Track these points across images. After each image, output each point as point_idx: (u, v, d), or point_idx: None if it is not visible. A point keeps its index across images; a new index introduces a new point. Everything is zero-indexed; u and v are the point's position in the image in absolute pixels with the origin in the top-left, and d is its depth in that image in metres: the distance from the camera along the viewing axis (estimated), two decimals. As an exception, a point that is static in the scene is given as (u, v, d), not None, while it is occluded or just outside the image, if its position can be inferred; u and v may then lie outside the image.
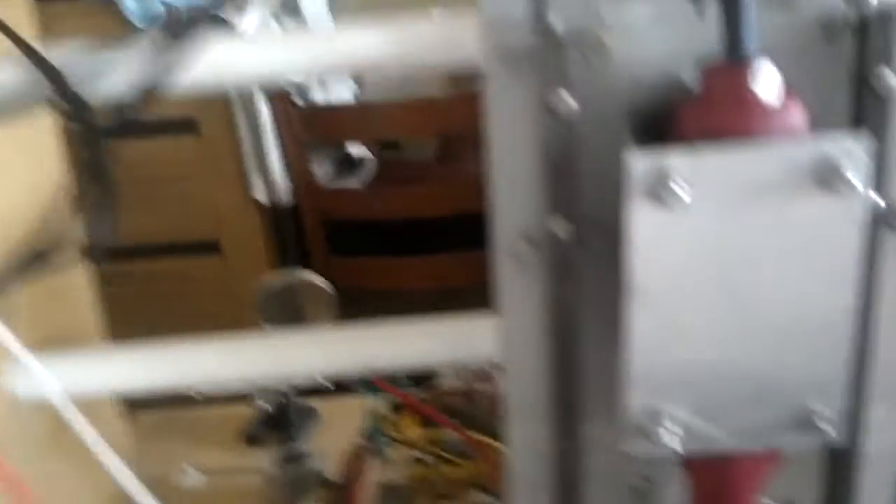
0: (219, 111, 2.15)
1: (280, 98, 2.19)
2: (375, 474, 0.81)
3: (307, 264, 2.15)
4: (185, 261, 2.28)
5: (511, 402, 0.54)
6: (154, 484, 0.57)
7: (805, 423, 0.46)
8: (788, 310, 0.44)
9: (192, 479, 1.05)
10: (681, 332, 0.44)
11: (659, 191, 0.41)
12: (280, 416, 1.12)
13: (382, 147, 2.47)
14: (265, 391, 1.10)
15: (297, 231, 2.20)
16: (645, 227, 0.42)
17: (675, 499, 0.55)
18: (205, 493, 1.04)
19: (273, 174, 2.31)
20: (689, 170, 0.41)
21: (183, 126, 2.15)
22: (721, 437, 0.46)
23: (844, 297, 0.44)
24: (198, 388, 0.78)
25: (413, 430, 0.77)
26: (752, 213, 0.42)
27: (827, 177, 0.41)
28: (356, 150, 2.36)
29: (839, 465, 0.52)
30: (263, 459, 1.05)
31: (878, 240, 0.47)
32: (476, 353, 0.57)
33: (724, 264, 0.43)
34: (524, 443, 0.55)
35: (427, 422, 0.77)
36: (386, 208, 2.07)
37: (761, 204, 0.42)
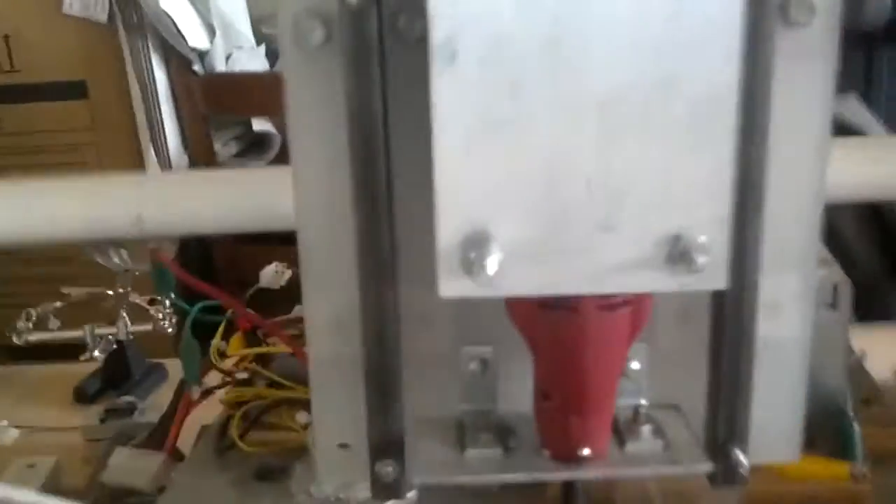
0: (111, 75, 1.97)
1: (178, 64, 2.04)
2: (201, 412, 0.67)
3: (208, 249, 1.99)
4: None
5: (307, 266, 0.41)
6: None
7: (674, 256, 0.34)
8: (651, 90, 0.32)
9: (9, 435, 0.92)
10: (501, 122, 0.32)
11: None
12: (114, 371, 0.98)
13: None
14: (100, 342, 0.96)
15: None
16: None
17: (513, 378, 0.42)
18: (21, 449, 0.90)
19: (169, 149, 2.14)
20: None
21: (71, 90, 1.97)
22: (563, 277, 0.34)
23: (726, 70, 0.32)
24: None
25: (237, 349, 0.63)
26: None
27: None
28: (262, 126, 2.21)
29: (729, 354, 0.40)
30: (90, 416, 0.92)
31: (764, 33, 0.35)
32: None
33: (558, 23, 0.31)
34: (325, 316, 0.42)
35: (253, 340, 0.64)
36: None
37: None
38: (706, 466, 0.39)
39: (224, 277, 1.84)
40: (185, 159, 2.14)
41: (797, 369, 0.43)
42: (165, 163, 2.10)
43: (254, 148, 2.27)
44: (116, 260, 0.80)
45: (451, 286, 0.34)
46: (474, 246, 0.34)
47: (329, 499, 0.54)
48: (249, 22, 2.20)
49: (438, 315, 0.43)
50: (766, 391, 0.42)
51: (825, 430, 0.50)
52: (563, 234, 0.34)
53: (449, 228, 0.34)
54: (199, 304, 0.66)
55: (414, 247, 0.39)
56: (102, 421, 0.87)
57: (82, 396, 0.99)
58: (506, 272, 0.34)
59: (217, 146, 2.21)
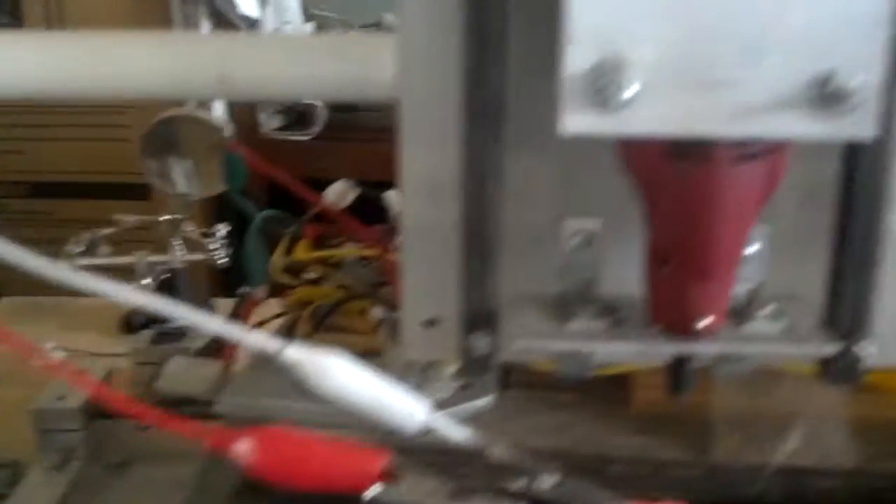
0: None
1: (225, 29, 2.03)
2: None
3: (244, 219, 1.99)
4: (106, 204, 2.08)
5: (406, 119, 0.39)
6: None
7: (822, 98, 0.31)
8: None
9: (55, 358, 0.90)
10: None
11: None
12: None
13: (334, 107, 2.29)
14: (152, 269, 0.94)
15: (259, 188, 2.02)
16: None
17: (617, 257, 0.39)
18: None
19: (214, 117, 2.13)
20: None
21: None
22: (702, 115, 0.31)
23: None
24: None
25: (305, 253, 0.61)
26: None
27: None
28: (310, 99, 2.20)
29: (857, 236, 0.37)
30: (140, 343, 0.90)
31: None
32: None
33: None
34: (421, 177, 0.39)
35: (320, 242, 0.62)
36: (333, 166, 1.91)
37: None
38: (831, 348, 0.36)
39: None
40: (230, 130, 2.14)
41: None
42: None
43: (298, 123, 2.27)
44: (181, 181, 0.79)
45: (577, 120, 0.32)
46: (606, 74, 0.31)
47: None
48: (300, -1, 2.19)
49: (540, 181, 0.40)
50: (892, 289, 0.39)
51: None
52: (706, 63, 0.31)
53: (578, 52, 0.31)
54: (265, 212, 0.64)
55: (522, 101, 0.37)
56: (154, 343, 0.85)
57: (130, 327, 0.97)
58: (639, 106, 0.31)
59: (261, 117, 2.21)
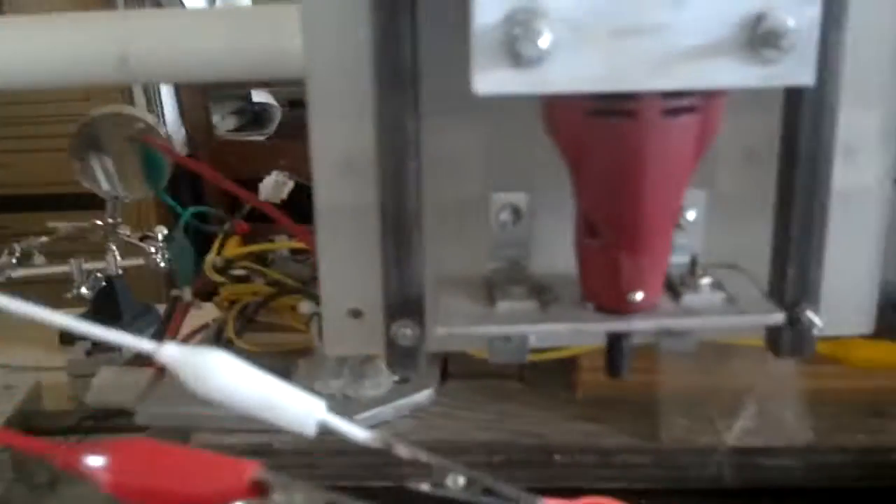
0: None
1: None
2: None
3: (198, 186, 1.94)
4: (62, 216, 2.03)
5: (314, 94, 0.36)
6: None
7: (755, 41, 0.28)
8: None
9: (-7, 375, 0.86)
10: None
11: None
12: (102, 311, 0.92)
13: (291, 104, 2.26)
14: (89, 277, 0.91)
15: (192, 186, 1.98)
16: None
17: (549, 233, 0.37)
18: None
19: (166, 122, 2.09)
20: None
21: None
22: (625, 67, 0.29)
23: None
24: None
25: (235, 250, 0.58)
26: None
27: None
28: (262, 97, 2.16)
29: (801, 201, 0.35)
30: (76, 353, 0.86)
31: None
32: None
33: None
34: (334, 155, 0.37)
35: (253, 238, 0.59)
36: (292, 165, 1.87)
37: None
38: (777, 317, 0.34)
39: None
40: (182, 132, 2.10)
41: (873, 228, 0.38)
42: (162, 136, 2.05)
43: (253, 123, 2.23)
44: (103, 179, 0.75)
45: (489, 79, 0.29)
46: (519, 25, 0.28)
47: (335, 396, 0.48)
48: (251, -1, 2.16)
49: (464, 154, 0.37)
50: (839, 251, 0.37)
51: (891, 319, 0.45)
52: (625, 8, 0.28)
53: (488, 1, 0.28)
54: (195, 209, 0.60)
55: (442, 66, 0.34)
56: (88, 354, 0.81)
57: (69, 338, 0.93)
58: (555, 60, 0.29)
59: (216, 119, 2.17)
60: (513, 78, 0.29)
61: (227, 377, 0.28)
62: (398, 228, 0.35)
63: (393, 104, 0.34)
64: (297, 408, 0.29)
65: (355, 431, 0.28)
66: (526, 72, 0.29)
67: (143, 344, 0.29)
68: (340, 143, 0.36)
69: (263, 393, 0.29)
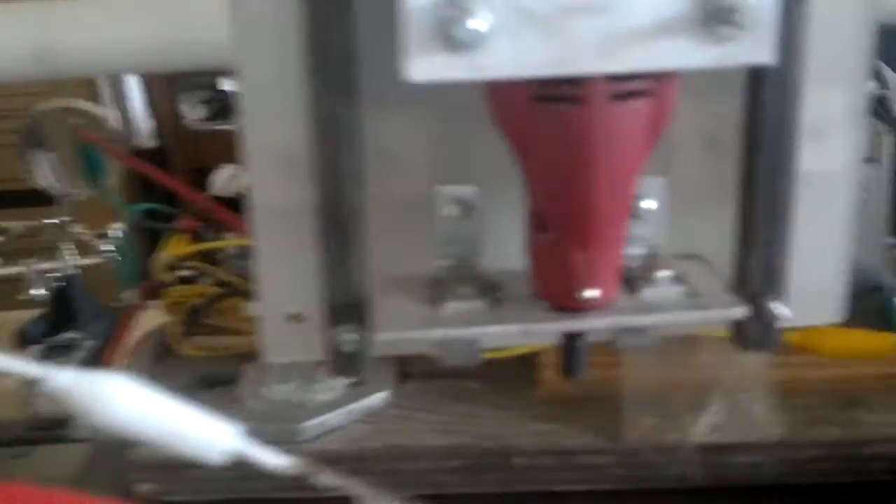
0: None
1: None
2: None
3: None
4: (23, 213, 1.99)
5: (244, 87, 0.33)
6: None
7: (710, 17, 0.26)
8: None
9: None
10: None
11: None
12: (59, 312, 0.89)
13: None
14: (43, 279, 0.88)
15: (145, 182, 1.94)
16: None
17: (499, 227, 0.34)
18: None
19: (134, 112, 2.04)
20: None
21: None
22: (569, 49, 0.26)
23: None
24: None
25: (182, 248, 0.55)
26: None
27: None
28: (231, 86, 2.12)
29: (765, 188, 0.33)
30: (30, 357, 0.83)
31: None
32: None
33: None
34: (268, 151, 0.34)
35: (197, 237, 0.56)
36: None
37: None
38: (740, 311, 0.32)
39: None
40: (149, 123, 2.06)
41: (842, 212, 0.36)
42: (129, 126, 2.01)
43: (222, 112, 2.19)
44: (50, 177, 0.72)
45: (423, 66, 0.27)
46: (454, 6, 0.26)
47: (283, 402, 0.46)
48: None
49: (408, 146, 0.35)
50: (807, 237, 0.35)
51: (863, 306, 0.43)
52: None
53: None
54: (143, 206, 0.58)
55: (382, 53, 0.32)
56: (42, 357, 0.78)
57: (25, 341, 0.90)
58: (493, 43, 0.26)
59: (185, 108, 2.13)
60: (449, 63, 0.27)
61: (124, 405, 0.26)
62: (338, 227, 0.33)
63: (327, 94, 0.31)
64: (203, 435, 0.26)
65: (271, 458, 0.26)
66: (463, 56, 0.26)
67: (32, 369, 0.26)
68: (274, 139, 0.34)
69: (166, 420, 0.26)
